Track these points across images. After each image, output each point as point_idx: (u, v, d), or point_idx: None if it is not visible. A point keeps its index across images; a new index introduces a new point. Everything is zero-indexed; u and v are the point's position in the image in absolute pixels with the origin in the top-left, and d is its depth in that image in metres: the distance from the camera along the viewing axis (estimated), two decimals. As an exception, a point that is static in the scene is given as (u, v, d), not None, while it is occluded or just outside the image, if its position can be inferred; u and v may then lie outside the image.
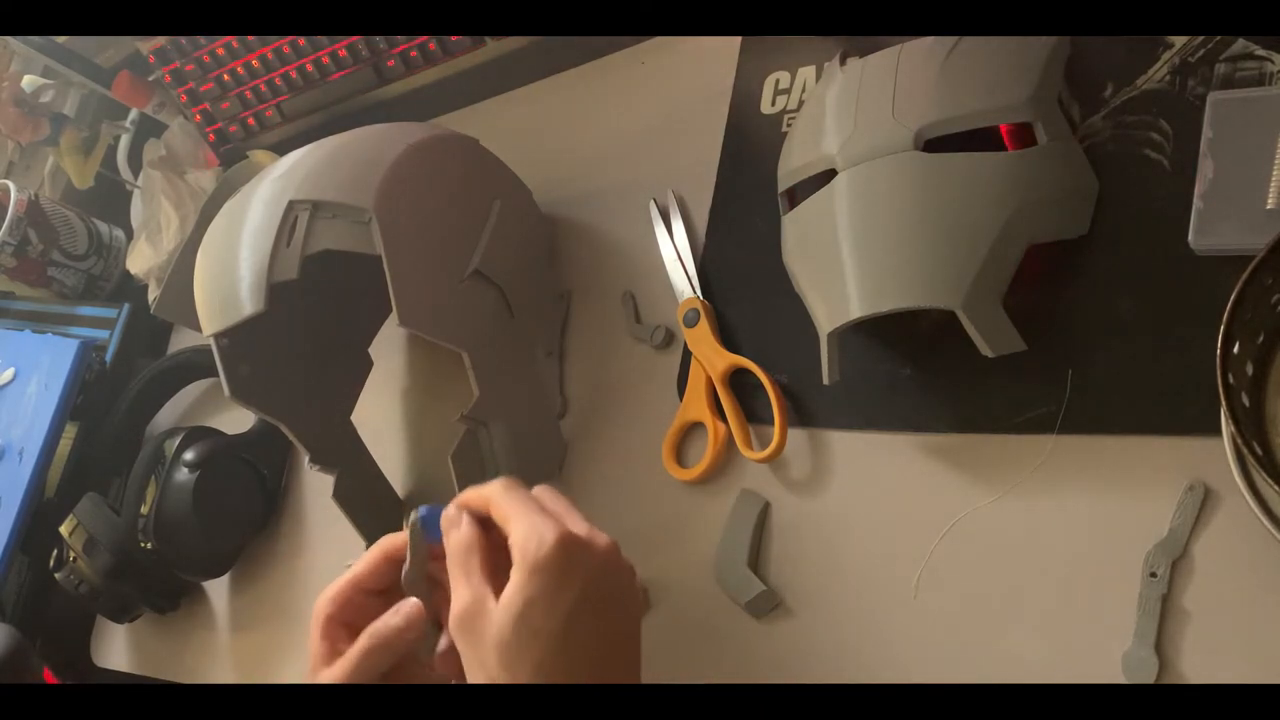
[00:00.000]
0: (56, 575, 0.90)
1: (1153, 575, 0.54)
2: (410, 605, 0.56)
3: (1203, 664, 0.53)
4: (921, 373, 0.65)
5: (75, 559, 0.88)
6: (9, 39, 1.11)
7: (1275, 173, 0.56)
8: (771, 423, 0.68)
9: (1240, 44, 0.61)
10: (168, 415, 1.03)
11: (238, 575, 0.92)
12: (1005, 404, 0.61)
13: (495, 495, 0.53)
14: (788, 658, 0.64)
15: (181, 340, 1.06)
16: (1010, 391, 0.61)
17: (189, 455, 0.86)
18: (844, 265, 0.62)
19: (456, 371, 0.72)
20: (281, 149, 0.97)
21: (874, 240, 0.62)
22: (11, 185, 1.07)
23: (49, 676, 0.89)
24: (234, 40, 1.00)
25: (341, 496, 0.78)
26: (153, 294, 1.07)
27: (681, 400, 0.73)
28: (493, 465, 0.72)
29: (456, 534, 0.54)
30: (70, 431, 1.01)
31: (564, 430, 0.78)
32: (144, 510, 0.86)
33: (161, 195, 1.06)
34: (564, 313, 0.81)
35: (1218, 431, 0.54)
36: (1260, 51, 0.60)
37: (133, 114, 1.19)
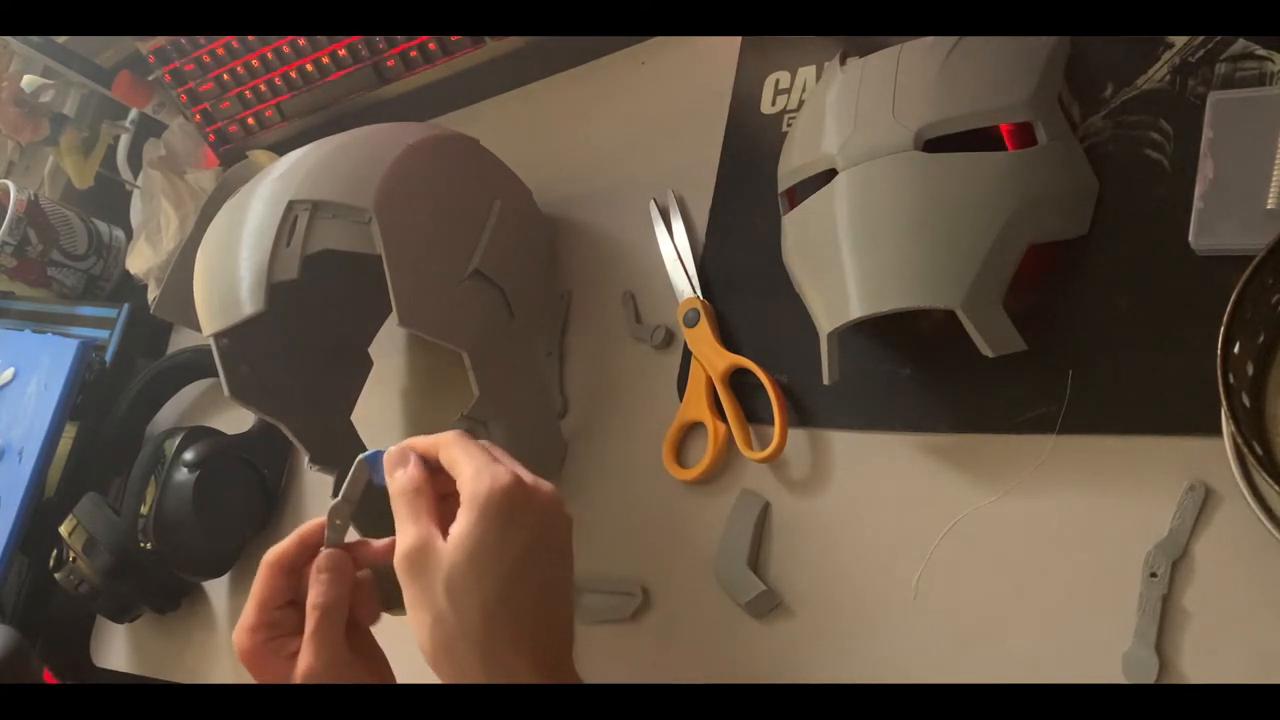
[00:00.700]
0: (56, 575, 0.90)
1: (1153, 575, 0.54)
2: (324, 557, 0.57)
3: (1203, 664, 0.53)
4: (921, 373, 0.65)
5: (75, 559, 0.88)
6: (9, 39, 1.11)
7: (1275, 173, 0.56)
8: (771, 423, 0.68)
9: (1240, 44, 0.61)
10: (168, 415, 1.03)
11: (238, 575, 0.92)
12: (1005, 404, 0.61)
13: (444, 440, 0.54)
14: (788, 658, 0.64)
15: (181, 340, 1.06)
16: (1010, 391, 0.61)
17: (189, 455, 0.86)
18: (844, 265, 0.62)
19: (456, 371, 0.72)
20: (281, 149, 0.97)
21: (874, 240, 0.62)
22: (11, 185, 1.07)
23: (49, 676, 0.89)
24: (234, 40, 1.00)
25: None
26: (153, 294, 1.07)
27: (681, 400, 0.73)
28: (493, 465, 0.72)
29: (403, 474, 0.54)
30: (70, 431, 1.01)
31: (564, 430, 0.78)
32: (144, 510, 0.86)
33: (161, 195, 1.06)
34: (564, 313, 0.81)
35: (1218, 431, 0.54)
36: (1260, 51, 0.60)
37: (133, 114, 1.19)
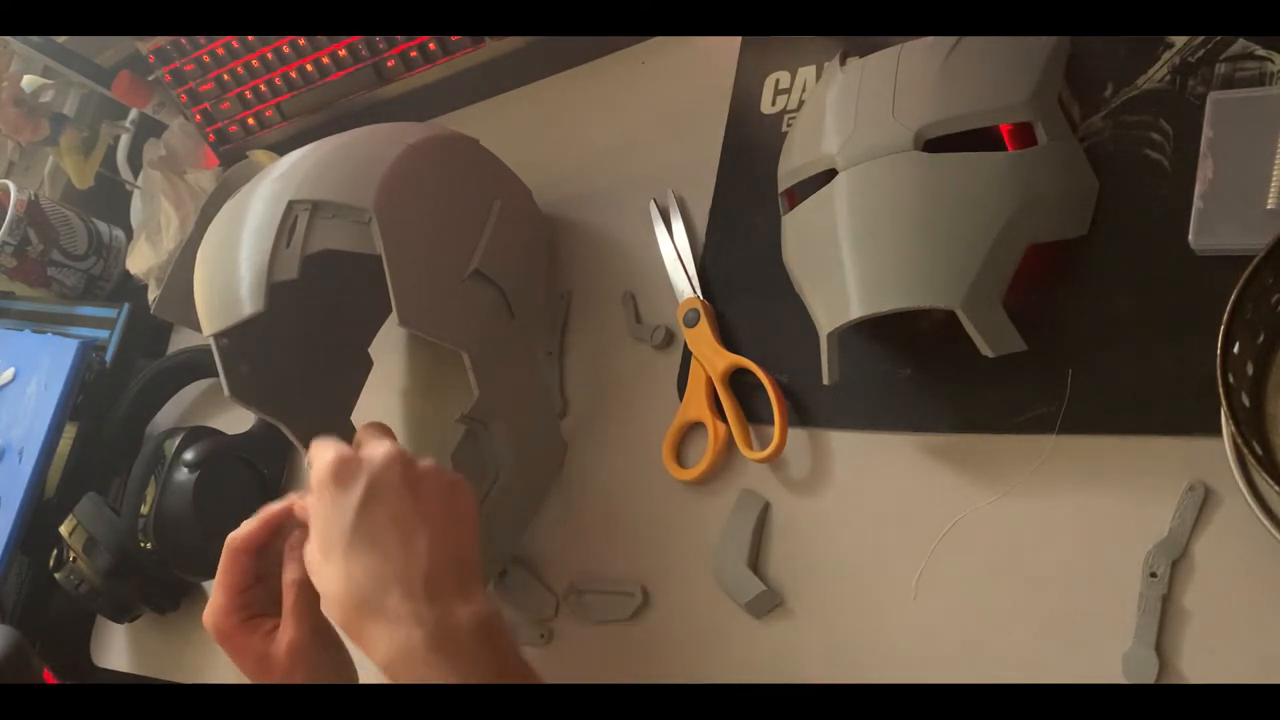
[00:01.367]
0: (56, 575, 0.90)
1: (1153, 575, 0.54)
2: (299, 535, 0.62)
3: (1203, 664, 0.53)
4: (921, 373, 0.65)
5: (75, 559, 0.88)
6: (9, 39, 1.10)
7: (1275, 173, 0.56)
8: (771, 423, 0.68)
9: (1240, 44, 0.61)
10: (168, 415, 1.03)
11: (238, 575, 0.92)
12: (1005, 404, 0.61)
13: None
14: (788, 658, 0.64)
15: (181, 340, 1.06)
16: (1010, 391, 0.61)
17: (189, 455, 0.86)
18: (844, 265, 0.62)
19: (456, 371, 0.72)
20: (281, 149, 0.97)
21: (874, 240, 0.62)
22: (11, 185, 1.07)
23: (49, 676, 0.89)
24: (234, 40, 1.00)
25: (341, 496, 0.77)
26: (153, 294, 1.06)
27: (681, 400, 0.73)
28: (493, 465, 0.72)
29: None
30: (70, 431, 1.01)
31: (564, 430, 0.78)
32: (144, 510, 0.86)
33: (161, 195, 1.06)
34: (564, 313, 0.81)
35: (1218, 431, 0.54)
36: (1260, 51, 0.60)
37: (133, 114, 1.19)
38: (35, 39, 1.08)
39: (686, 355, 0.74)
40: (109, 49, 1.15)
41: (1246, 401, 0.52)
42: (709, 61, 0.82)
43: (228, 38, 1.00)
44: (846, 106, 0.66)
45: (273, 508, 0.64)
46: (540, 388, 0.78)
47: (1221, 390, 0.49)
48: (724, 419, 0.70)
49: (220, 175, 0.99)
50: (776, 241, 0.70)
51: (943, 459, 0.63)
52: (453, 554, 0.58)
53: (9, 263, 1.08)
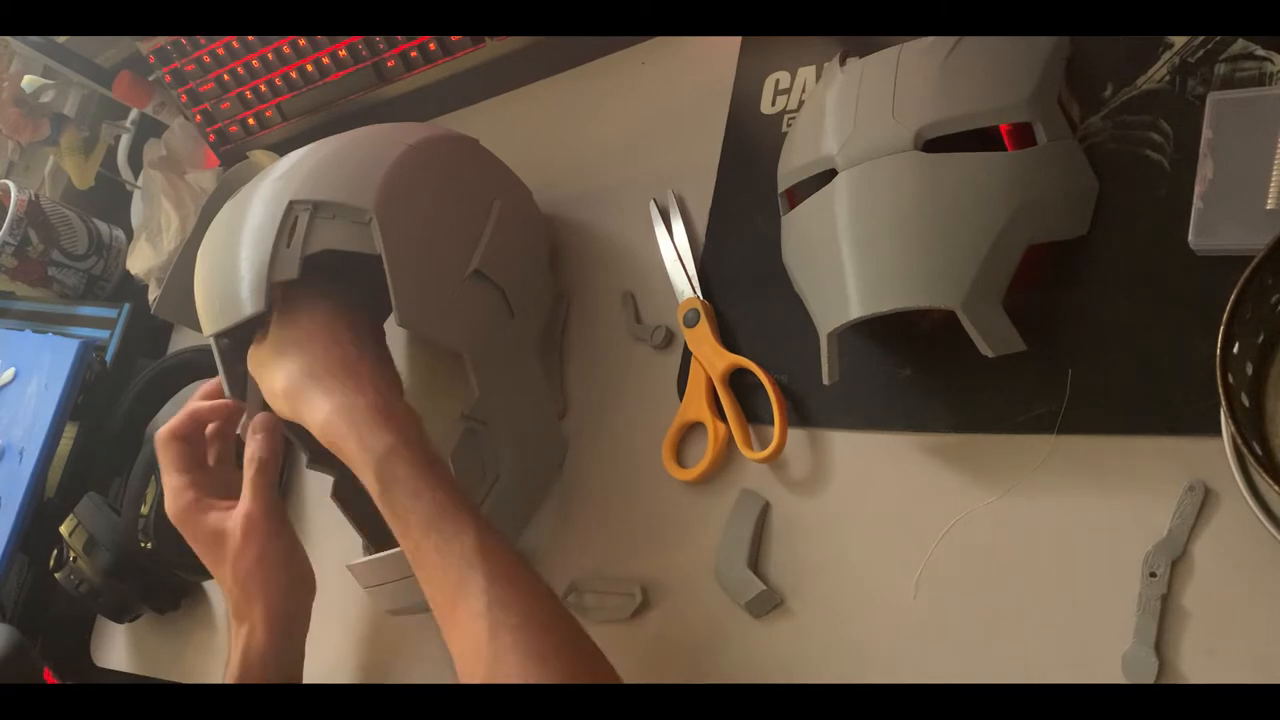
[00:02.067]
0: (56, 575, 0.90)
1: (1152, 575, 0.54)
2: (260, 418, 0.73)
3: (1202, 664, 0.53)
4: (921, 373, 0.65)
5: (75, 559, 0.88)
6: (9, 39, 1.11)
7: (1275, 173, 0.56)
8: (771, 423, 0.68)
9: (1240, 44, 0.61)
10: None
11: (238, 575, 0.92)
12: (1005, 404, 0.61)
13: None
14: (788, 658, 0.64)
15: (181, 340, 1.06)
16: (1010, 391, 0.61)
17: (189, 455, 0.86)
18: (844, 265, 0.62)
19: (456, 371, 0.72)
20: (281, 149, 0.97)
21: (874, 240, 0.62)
22: (12, 185, 1.07)
23: (49, 676, 0.89)
24: (234, 40, 1.00)
25: (341, 496, 0.78)
26: (153, 294, 1.07)
27: (681, 400, 0.73)
28: (493, 465, 0.72)
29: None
30: (70, 431, 1.01)
31: (564, 430, 0.78)
32: (144, 510, 0.86)
33: (161, 195, 1.06)
34: (564, 313, 0.81)
35: (1218, 431, 0.54)
36: (1260, 51, 0.60)
37: (133, 114, 1.20)
38: (35, 39, 1.08)
39: (686, 355, 0.74)
40: (109, 49, 1.15)
41: (1246, 401, 0.52)
42: (709, 61, 0.82)
43: (228, 38, 1.00)
44: (846, 107, 0.66)
45: (199, 403, 0.76)
46: (540, 387, 0.78)
47: (1221, 390, 0.49)
48: (724, 419, 0.70)
49: (220, 175, 0.99)
50: (776, 241, 0.70)
51: (943, 459, 0.63)
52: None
53: (10, 263, 1.08)
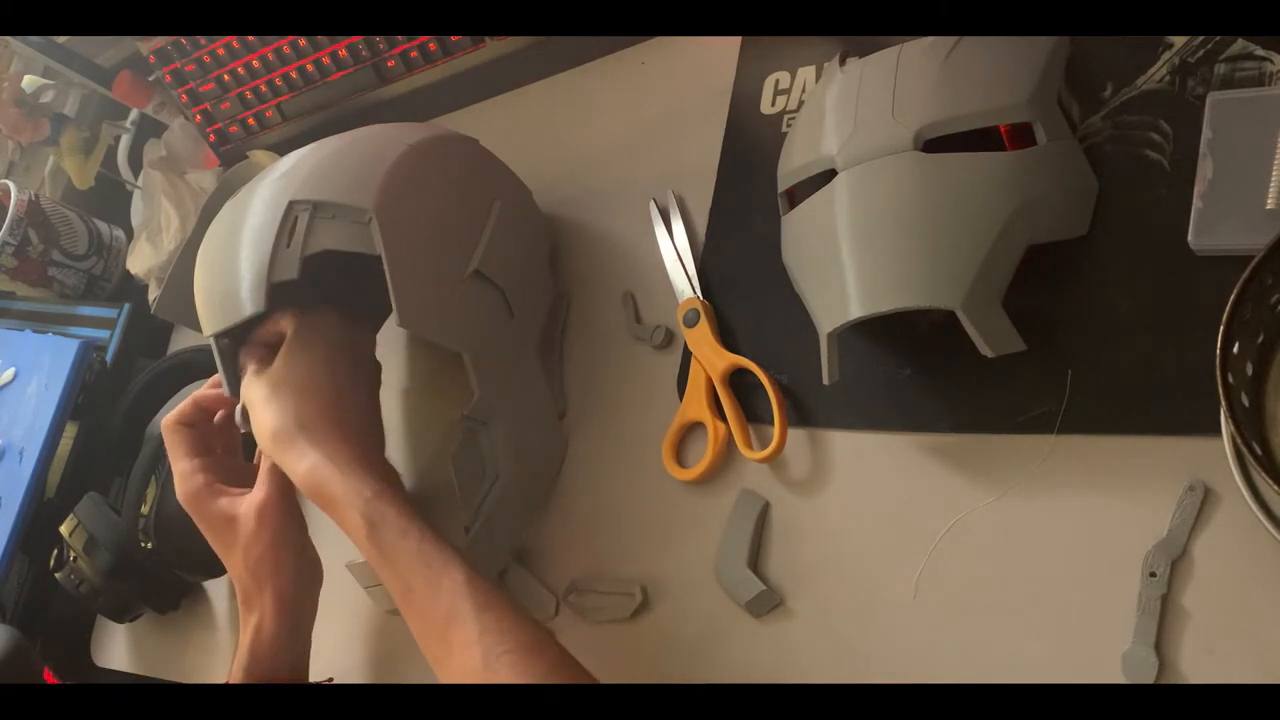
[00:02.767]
0: (57, 575, 0.90)
1: (1152, 575, 0.54)
2: None
3: (1202, 664, 0.53)
4: (921, 373, 0.65)
5: (75, 559, 0.88)
6: (9, 39, 1.11)
7: (1275, 173, 0.56)
8: (771, 423, 0.68)
9: (1240, 44, 0.61)
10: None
11: (238, 575, 0.92)
12: (1005, 404, 0.61)
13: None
14: (788, 658, 0.64)
15: (181, 340, 1.06)
16: (1010, 391, 0.61)
17: (189, 455, 0.86)
18: (844, 265, 0.62)
19: (456, 371, 0.72)
20: (281, 149, 0.97)
21: (874, 240, 0.62)
22: (12, 185, 1.08)
23: (49, 676, 0.89)
24: (234, 40, 1.00)
25: (341, 496, 0.77)
26: (153, 294, 1.07)
27: (681, 400, 0.73)
28: (493, 465, 0.72)
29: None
30: (70, 431, 1.01)
31: (564, 430, 0.78)
32: (144, 510, 0.86)
33: (162, 195, 1.06)
34: (564, 313, 0.81)
35: (1218, 431, 0.54)
36: (1260, 51, 0.60)
37: (133, 114, 1.20)
38: (35, 39, 1.08)
39: (686, 355, 0.74)
40: (109, 49, 1.15)
41: (1246, 401, 0.52)
42: (709, 61, 0.82)
43: (228, 38, 1.00)
44: (846, 107, 0.66)
45: (204, 391, 0.76)
46: (540, 388, 0.78)
47: (1221, 390, 0.49)
48: (724, 419, 0.70)
49: (220, 175, 0.99)
50: (776, 241, 0.70)
51: (943, 459, 0.63)
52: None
53: (10, 263, 1.08)
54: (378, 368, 0.77)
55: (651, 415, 0.74)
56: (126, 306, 1.10)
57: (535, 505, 0.76)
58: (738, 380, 0.71)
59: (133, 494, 0.88)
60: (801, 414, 0.68)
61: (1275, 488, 0.47)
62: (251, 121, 1.03)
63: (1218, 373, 0.49)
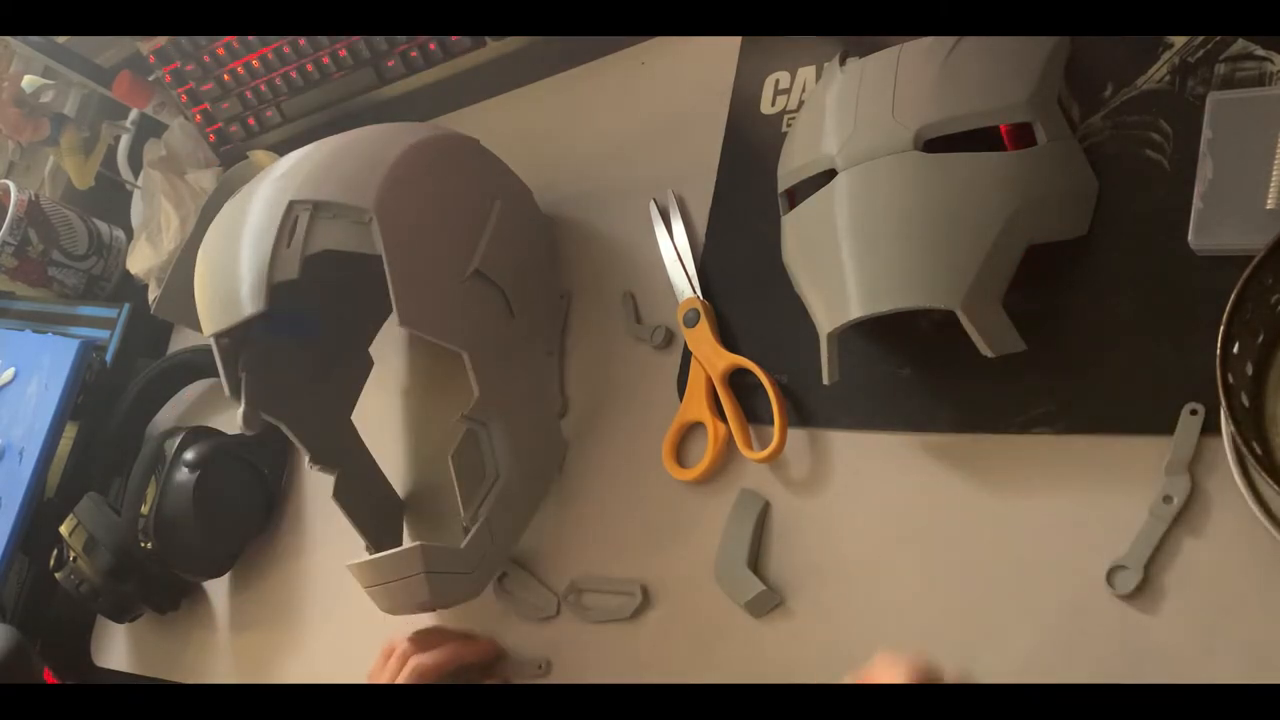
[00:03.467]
0: (57, 575, 0.90)
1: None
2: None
3: (1202, 664, 0.53)
4: (921, 373, 0.65)
5: (75, 559, 0.88)
6: (9, 39, 1.11)
7: (1275, 173, 0.56)
8: (771, 423, 0.68)
9: (1240, 44, 0.61)
10: (168, 415, 1.03)
11: (238, 575, 0.92)
12: (1005, 404, 0.61)
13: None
14: (788, 658, 0.64)
15: (181, 340, 1.06)
16: (1010, 391, 0.61)
17: (189, 455, 0.86)
18: (844, 265, 0.62)
19: (456, 371, 0.72)
20: (281, 149, 0.97)
21: (874, 240, 0.62)
22: (12, 185, 1.07)
23: (49, 676, 0.89)
24: (234, 40, 1.00)
25: (341, 496, 0.78)
26: (153, 294, 1.06)
27: (681, 400, 0.73)
28: (493, 465, 0.72)
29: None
30: (70, 431, 1.01)
31: (564, 430, 0.78)
32: (144, 510, 0.86)
33: (161, 195, 1.06)
34: (564, 313, 0.81)
35: (1218, 431, 0.54)
36: (1260, 51, 0.60)
37: (133, 114, 1.19)
38: (35, 39, 1.08)
39: (686, 355, 0.74)
40: (109, 49, 1.15)
41: (1246, 401, 0.52)
42: (709, 61, 0.82)
43: (228, 38, 1.00)
44: (846, 107, 0.66)
45: (466, 645, 0.68)
46: (540, 388, 0.78)
47: (1221, 390, 0.49)
48: (724, 419, 0.70)
49: (220, 175, 0.99)
50: (776, 241, 0.70)
51: (943, 459, 0.63)
52: None
53: (10, 263, 1.08)
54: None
55: (651, 415, 0.74)
56: (126, 306, 1.10)
57: (535, 505, 0.76)
58: (738, 380, 0.71)
59: (133, 494, 0.88)
60: (801, 414, 0.68)
61: (1275, 488, 0.47)
62: (251, 121, 1.03)
63: (1218, 373, 0.50)
